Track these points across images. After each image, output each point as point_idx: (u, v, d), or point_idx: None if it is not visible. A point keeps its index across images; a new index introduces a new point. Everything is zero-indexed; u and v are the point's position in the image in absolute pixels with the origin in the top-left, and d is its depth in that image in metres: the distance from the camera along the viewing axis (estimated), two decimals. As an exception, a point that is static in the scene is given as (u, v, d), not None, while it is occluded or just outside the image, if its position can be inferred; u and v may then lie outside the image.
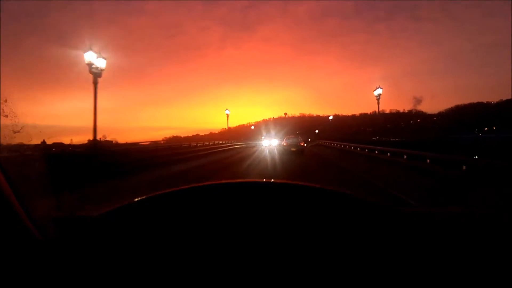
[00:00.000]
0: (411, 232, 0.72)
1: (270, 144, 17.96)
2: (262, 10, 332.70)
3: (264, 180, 0.93)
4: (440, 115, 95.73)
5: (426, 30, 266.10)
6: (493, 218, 0.93)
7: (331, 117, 65.63)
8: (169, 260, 0.70)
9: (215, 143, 23.04)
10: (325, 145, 28.29)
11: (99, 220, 0.84)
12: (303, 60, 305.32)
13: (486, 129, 68.24)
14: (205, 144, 21.85)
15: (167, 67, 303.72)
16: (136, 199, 0.86)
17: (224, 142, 24.10)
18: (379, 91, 19.94)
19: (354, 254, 0.68)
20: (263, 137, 15.53)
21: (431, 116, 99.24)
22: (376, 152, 14.61)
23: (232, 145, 24.37)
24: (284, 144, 17.23)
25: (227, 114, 27.47)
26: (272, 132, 16.48)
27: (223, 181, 0.88)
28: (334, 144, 25.37)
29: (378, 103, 19.38)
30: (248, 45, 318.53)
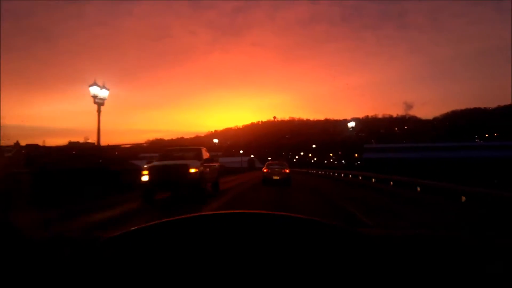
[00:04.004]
0: (370, 254, 0.77)
1: None
2: (250, 15, 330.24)
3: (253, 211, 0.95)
4: (436, 120, 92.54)
5: (413, 37, 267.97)
6: (453, 239, 1.01)
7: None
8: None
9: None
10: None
11: (95, 248, 0.81)
12: (292, 65, 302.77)
13: (487, 135, 64.34)
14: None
15: (155, 70, 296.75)
16: (134, 228, 0.84)
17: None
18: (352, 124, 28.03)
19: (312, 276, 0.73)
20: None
21: (426, 121, 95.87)
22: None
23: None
24: (265, 171, 14.47)
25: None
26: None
27: (222, 212, 0.91)
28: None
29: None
30: (236, 49, 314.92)
